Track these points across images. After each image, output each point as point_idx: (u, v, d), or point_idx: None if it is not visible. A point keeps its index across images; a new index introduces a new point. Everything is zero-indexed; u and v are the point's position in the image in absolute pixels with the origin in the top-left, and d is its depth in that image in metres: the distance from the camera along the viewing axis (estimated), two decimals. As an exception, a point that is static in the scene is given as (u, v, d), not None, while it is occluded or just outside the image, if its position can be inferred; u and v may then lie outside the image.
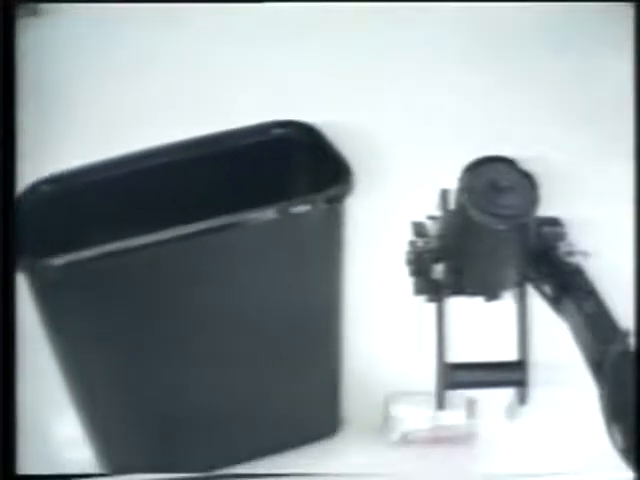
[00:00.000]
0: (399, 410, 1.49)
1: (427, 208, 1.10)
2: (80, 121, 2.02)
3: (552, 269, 1.05)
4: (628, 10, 1.88)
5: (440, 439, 1.49)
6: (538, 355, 1.10)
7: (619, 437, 0.89)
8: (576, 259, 1.04)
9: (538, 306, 1.07)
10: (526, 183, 0.99)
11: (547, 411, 1.39)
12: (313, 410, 1.48)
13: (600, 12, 2.22)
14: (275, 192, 1.22)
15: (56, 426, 1.53)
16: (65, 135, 1.94)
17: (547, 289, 1.05)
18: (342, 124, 1.26)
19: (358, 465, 1.47)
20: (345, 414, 1.52)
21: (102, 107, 2.06)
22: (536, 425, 1.42)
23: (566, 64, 2.18)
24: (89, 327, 1.25)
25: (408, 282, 1.12)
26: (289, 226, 1.23)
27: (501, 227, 0.98)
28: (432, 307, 1.11)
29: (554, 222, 1.07)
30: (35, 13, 2.26)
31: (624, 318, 0.99)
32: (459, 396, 1.38)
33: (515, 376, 1.10)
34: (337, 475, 1.41)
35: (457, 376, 1.11)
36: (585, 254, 1.05)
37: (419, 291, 1.12)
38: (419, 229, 1.12)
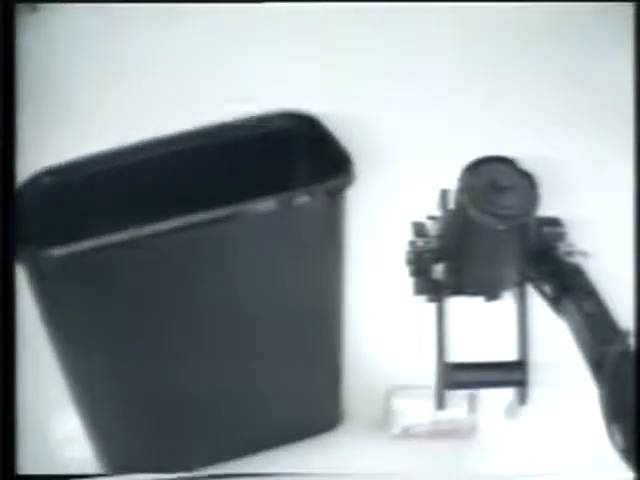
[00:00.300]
0: (400, 404, 1.49)
1: (427, 201, 1.10)
2: (80, 120, 2.02)
3: (552, 269, 1.05)
4: (628, 10, 1.88)
5: (441, 433, 1.49)
6: (538, 355, 1.10)
7: (619, 437, 0.89)
8: (576, 259, 1.04)
9: (538, 306, 1.07)
10: (526, 183, 0.99)
11: (547, 411, 1.39)
12: (314, 404, 1.48)
13: (600, 12, 2.22)
14: (276, 183, 1.21)
15: (56, 426, 1.53)
16: (64, 134, 1.94)
17: (547, 289, 1.05)
18: (343, 115, 1.25)
19: (359, 459, 1.47)
20: (346, 408, 1.52)
21: (102, 105, 2.06)
22: (536, 425, 1.42)
23: (566, 64, 2.18)
24: (89, 318, 1.25)
25: (408, 281, 1.12)
26: (289, 217, 1.23)
27: (501, 227, 0.98)
28: (432, 307, 1.11)
29: (554, 222, 1.07)
30: (35, 11, 2.26)
31: (624, 318, 0.99)
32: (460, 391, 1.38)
33: (515, 376, 1.10)
34: (337, 476, 1.41)
35: (457, 376, 1.11)
36: (585, 254, 1.05)
37: (419, 291, 1.12)
38: (419, 229, 1.12)
